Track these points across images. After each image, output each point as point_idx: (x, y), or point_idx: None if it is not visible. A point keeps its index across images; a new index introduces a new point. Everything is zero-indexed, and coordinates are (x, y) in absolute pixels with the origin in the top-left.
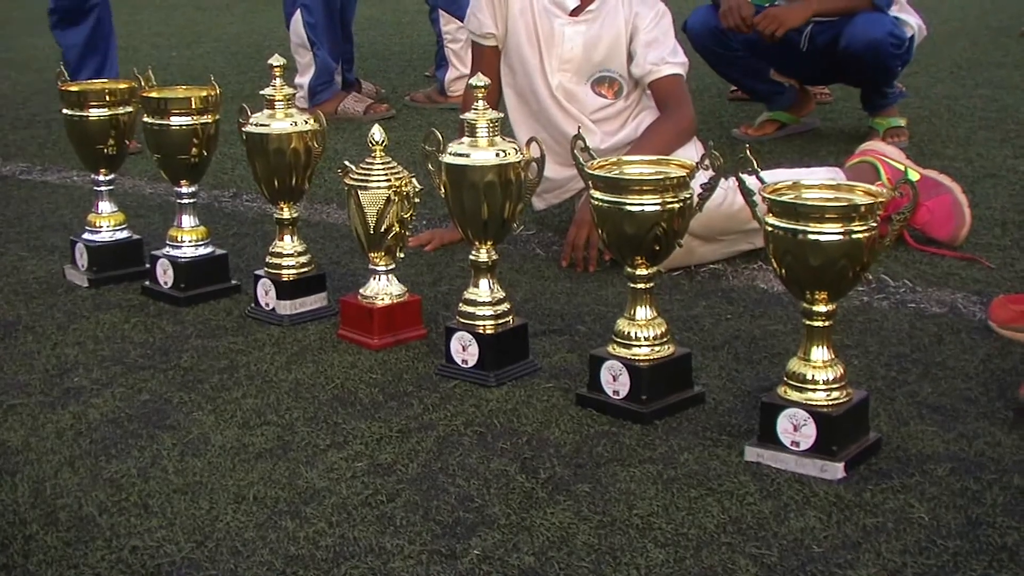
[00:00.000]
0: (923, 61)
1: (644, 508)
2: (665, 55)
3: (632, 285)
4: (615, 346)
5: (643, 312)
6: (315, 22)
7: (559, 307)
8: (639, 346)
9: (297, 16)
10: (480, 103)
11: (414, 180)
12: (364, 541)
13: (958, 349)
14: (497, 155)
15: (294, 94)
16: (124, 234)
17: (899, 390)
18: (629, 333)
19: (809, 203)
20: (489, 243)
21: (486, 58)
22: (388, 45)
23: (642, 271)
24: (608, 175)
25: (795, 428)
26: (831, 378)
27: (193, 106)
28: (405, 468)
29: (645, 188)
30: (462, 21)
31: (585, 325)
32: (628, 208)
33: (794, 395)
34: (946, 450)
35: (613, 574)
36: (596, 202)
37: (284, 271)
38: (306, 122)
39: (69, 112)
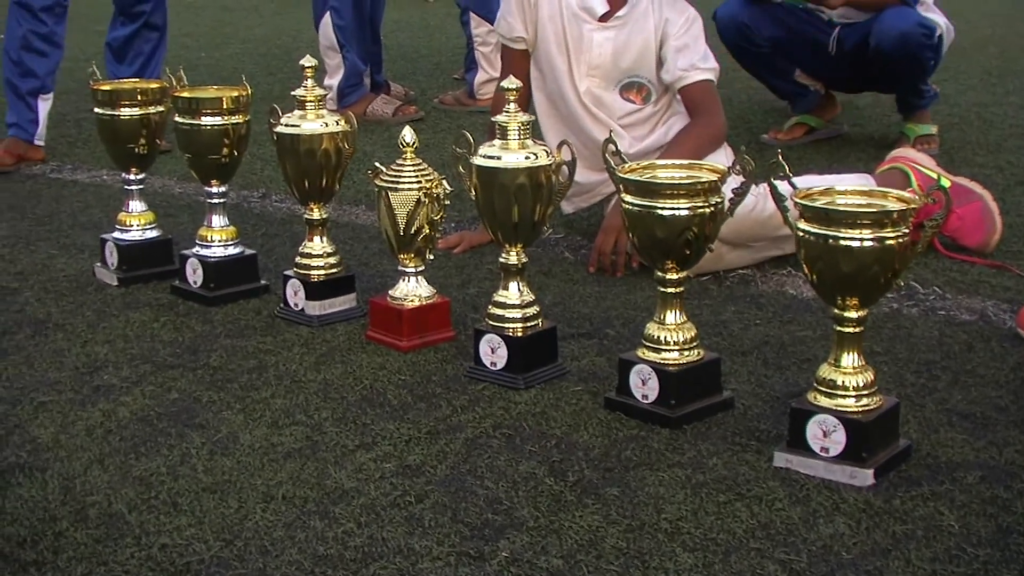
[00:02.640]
0: (952, 68)
1: (673, 512)
2: (695, 61)
3: (662, 289)
4: (644, 350)
5: (673, 316)
6: (344, 24)
7: (588, 311)
8: (668, 350)
9: (326, 18)
10: (511, 106)
11: (444, 182)
12: (393, 542)
13: (988, 357)
14: (528, 158)
15: (325, 95)
16: (154, 233)
17: (929, 397)
18: (659, 337)
19: (841, 209)
20: (519, 246)
21: (516, 61)
22: (416, 47)
23: (672, 275)
24: (640, 179)
25: (825, 434)
26: (861, 384)
27: (224, 106)
28: (434, 470)
29: (677, 192)
30: (492, 24)
31: (614, 329)
32: (659, 212)
33: (824, 401)
34: (976, 458)
35: None
36: (627, 206)
37: (313, 271)
38: (337, 123)
39: (100, 111)
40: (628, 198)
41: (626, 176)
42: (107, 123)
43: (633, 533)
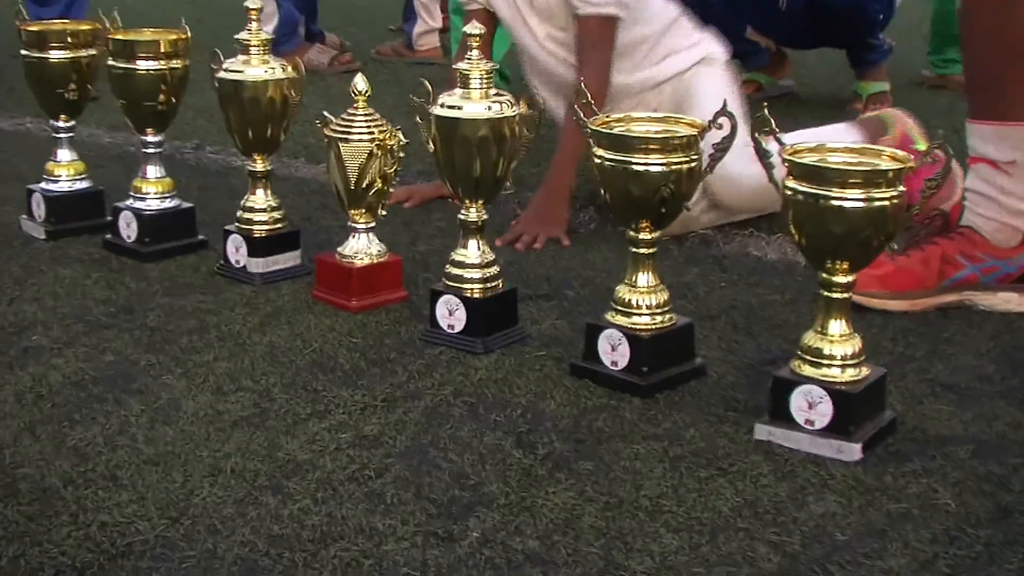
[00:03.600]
0: (914, 24)
1: (652, 489)
2: None
3: (634, 250)
4: (614, 314)
5: (645, 279)
6: None
7: (544, 271)
8: (640, 315)
9: None
10: (474, 52)
11: (399, 133)
12: (353, 520)
13: (964, 324)
14: (490, 108)
15: (272, 39)
16: (84, 184)
17: (908, 367)
18: (630, 300)
19: (833, 167)
20: (480, 202)
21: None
22: None
23: (646, 235)
24: (613, 132)
25: (810, 406)
26: (849, 353)
27: (162, 50)
28: (393, 441)
29: (652, 147)
30: None
31: (573, 291)
32: (634, 168)
33: (809, 371)
34: (965, 431)
35: (626, 561)
36: (599, 160)
37: (256, 227)
38: (283, 70)
39: (28, 53)
40: (600, 152)
41: (599, 129)
42: (35, 66)
43: (612, 511)
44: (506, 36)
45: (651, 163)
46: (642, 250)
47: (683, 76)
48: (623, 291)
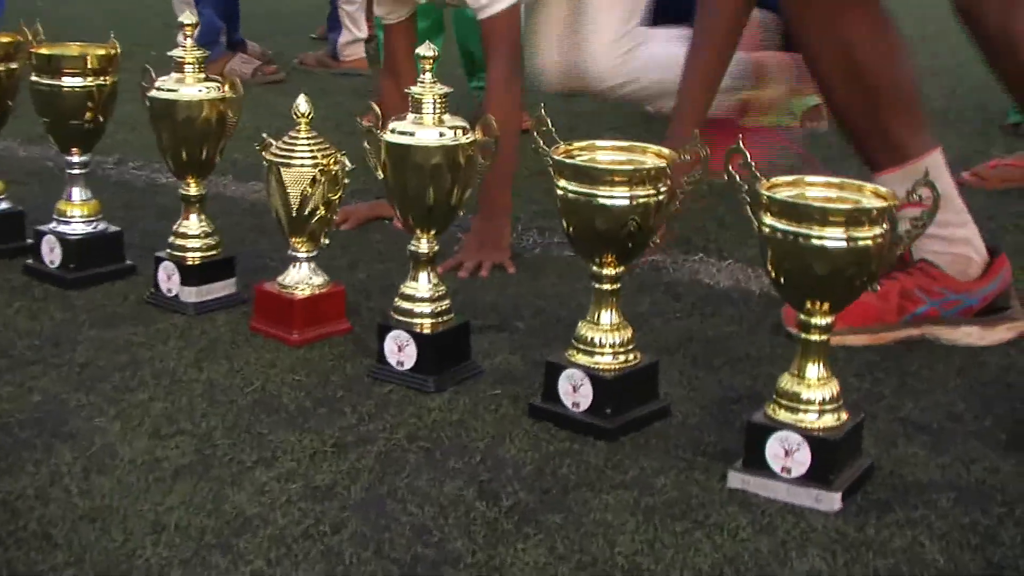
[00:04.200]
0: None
1: (627, 545)
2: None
3: (597, 285)
4: (575, 352)
5: (608, 316)
6: None
7: (491, 299)
8: (603, 354)
9: None
10: (427, 75)
11: (344, 159)
12: None
13: (929, 357)
14: (443, 134)
15: (206, 56)
16: (3, 205)
17: (877, 405)
18: (592, 339)
19: (814, 204)
20: (432, 232)
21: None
22: (271, 4)
23: (610, 271)
24: (577, 163)
25: (787, 453)
26: (827, 397)
27: (89, 65)
28: (347, 491)
29: (618, 179)
30: None
31: (523, 321)
32: (599, 201)
33: (785, 416)
34: (943, 477)
35: None
36: (561, 192)
37: (190, 253)
38: (219, 89)
39: None
40: (563, 183)
41: (560, 159)
42: None
43: (586, 571)
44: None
45: (617, 196)
46: (605, 285)
47: None
48: (585, 328)
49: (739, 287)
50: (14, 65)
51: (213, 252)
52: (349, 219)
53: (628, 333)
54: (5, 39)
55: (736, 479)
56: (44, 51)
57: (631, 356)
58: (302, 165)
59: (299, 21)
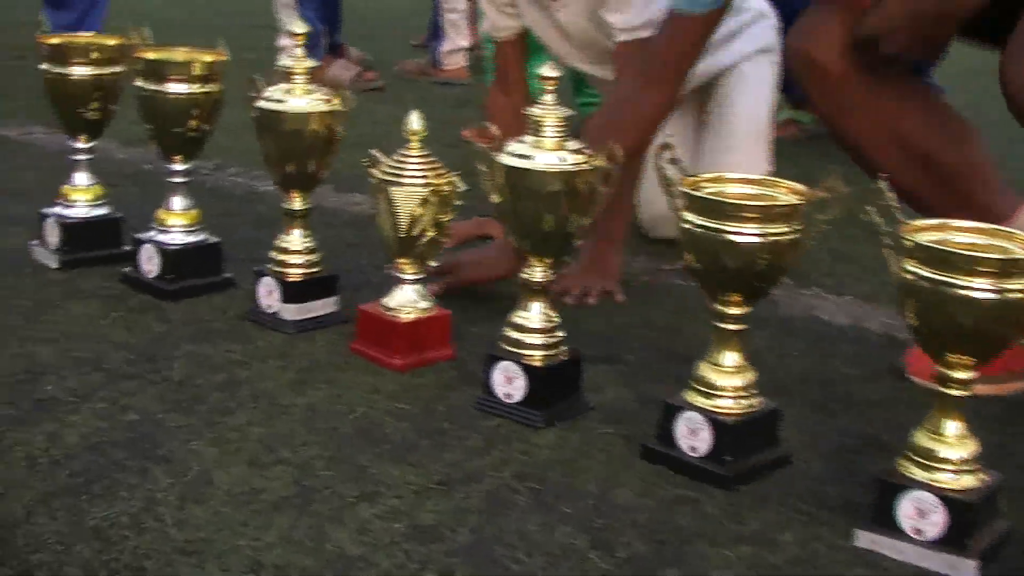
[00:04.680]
0: None
1: None
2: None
3: (720, 325)
4: (694, 394)
5: (731, 358)
6: None
7: (600, 328)
8: (723, 397)
9: None
10: (549, 96)
11: (456, 179)
12: None
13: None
14: (564, 160)
15: (317, 66)
16: (102, 210)
17: (1008, 462)
18: (712, 381)
19: (961, 253)
20: (547, 260)
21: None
22: (372, 8)
23: (735, 310)
24: (705, 196)
25: (920, 514)
26: (965, 457)
27: (195, 72)
28: (453, 534)
29: (749, 215)
30: None
31: (634, 354)
32: (728, 237)
33: (919, 473)
34: None
35: None
36: (687, 225)
37: (291, 270)
38: (329, 101)
39: (48, 68)
40: (689, 216)
41: (688, 191)
42: (55, 82)
43: None
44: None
45: (747, 232)
46: (729, 325)
47: (727, 75)
48: (705, 369)
49: (857, 325)
50: (119, 68)
51: (315, 269)
52: (452, 236)
53: (750, 376)
54: (111, 42)
55: (865, 539)
56: (150, 55)
57: (753, 401)
58: (412, 185)
59: (400, 28)
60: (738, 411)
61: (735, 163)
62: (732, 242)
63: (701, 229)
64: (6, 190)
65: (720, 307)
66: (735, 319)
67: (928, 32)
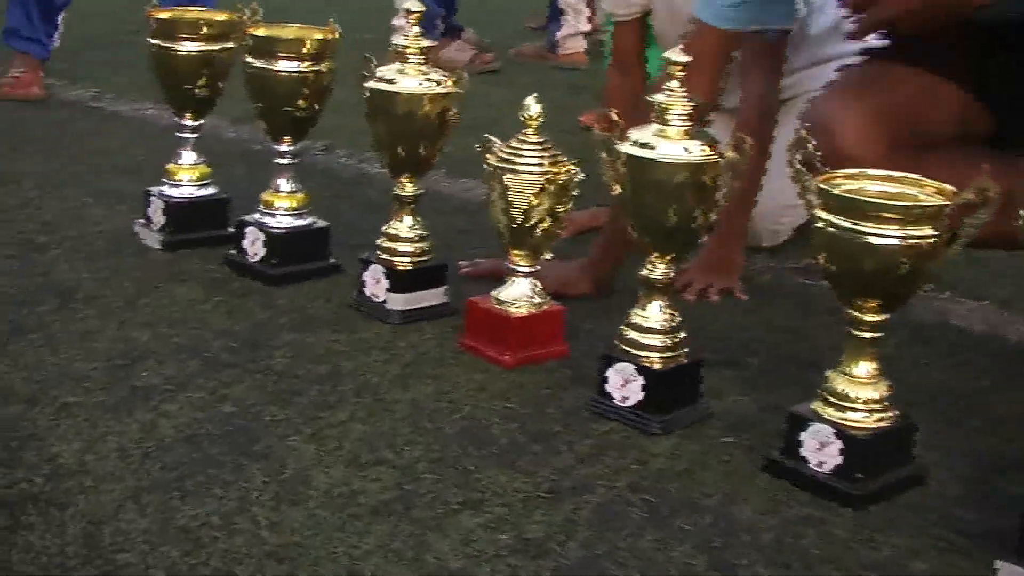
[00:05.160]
0: None
1: None
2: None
3: (855, 332)
4: (823, 405)
5: (865, 368)
6: None
7: (719, 330)
8: (855, 410)
9: None
10: (676, 83)
11: (575, 168)
12: None
13: None
14: (690, 150)
15: (432, 46)
16: (208, 191)
17: None
18: (844, 392)
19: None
20: (669, 257)
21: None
22: None
23: (871, 317)
24: (842, 193)
25: None
26: None
27: (306, 50)
28: (562, 548)
29: (890, 215)
30: None
31: (757, 358)
32: (867, 239)
33: None
34: None
35: None
36: (822, 224)
37: (399, 258)
38: (443, 83)
39: (155, 43)
40: (825, 215)
41: (824, 188)
42: (162, 58)
43: None
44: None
45: (887, 234)
46: (864, 333)
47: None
48: (836, 379)
49: (993, 333)
50: (229, 45)
51: (425, 257)
52: (569, 225)
53: (885, 388)
54: (221, 17)
55: (1006, 571)
56: (260, 32)
57: (887, 414)
58: (528, 173)
59: (517, 10)
60: (871, 425)
61: (778, 188)
62: (871, 244)
63: (837, 229)
64: (116, 166)
65: (855, 313)
66: (871, 326)
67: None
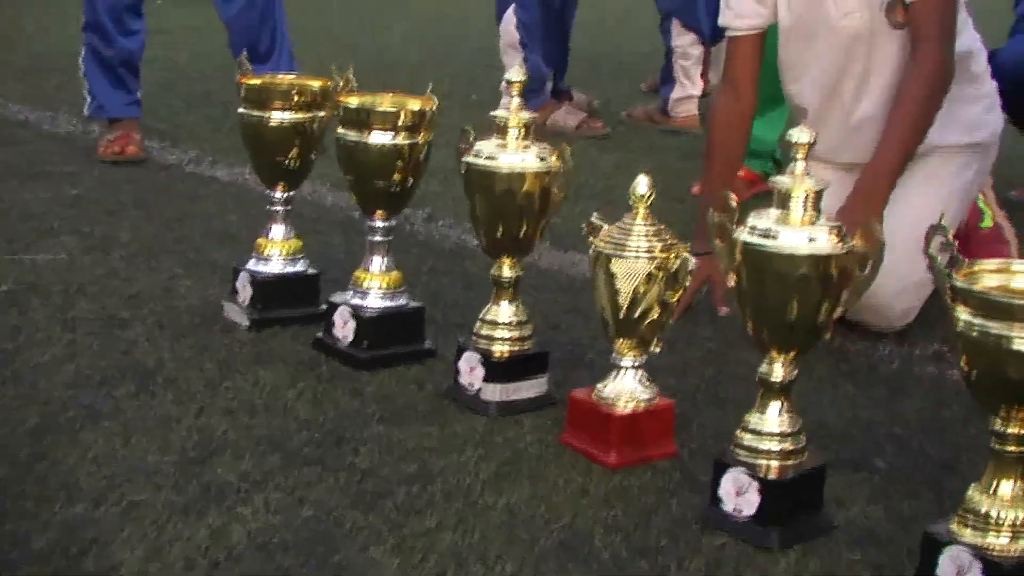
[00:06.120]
0: None
1: None
2: None
3: (999, 446)
4: (963, 526)
5: (1009, 487)
6: (530, 20)
7: (842, 426)
8: (998, 533)
9: (510, 13)
10: (799, 164)
11: (687, 254)
12: None
13: None
14: (814, 239)
15: (535, 120)
16: (298, 266)
17: None
18: (986, 512)
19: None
20: (790, 355)
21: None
22: (597, 49)
23: (1017, 429)
24: (986, 293)
25: None
26: None
27: (402, 121)
28: None
29: None
30: (698, 34)
31: (886, 459)
32: (1016, 345)
33: None
34: None
35: None
36: (963, 325)
37: (497, 345)
38: (545, 159)
39: (246, 112)
40: (965, 315)
41: (964, 284)
42: (252, 127)
43: None
44: (780, 116)
45: None
46: (1010, 448)
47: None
48: (977, 496)
49: None
50: (321, 113)
51: (524, 344)
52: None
53: None
54: (314, 84)
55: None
56: (352, 101)
57: None
58: (636, 258)
59: (631, 70)
60: (1016, 553)
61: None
62: (1019, 351)
63: (979, 332)
64: (209, 233)
65: (1000, 425)
66: (1018, 441)
67: None
